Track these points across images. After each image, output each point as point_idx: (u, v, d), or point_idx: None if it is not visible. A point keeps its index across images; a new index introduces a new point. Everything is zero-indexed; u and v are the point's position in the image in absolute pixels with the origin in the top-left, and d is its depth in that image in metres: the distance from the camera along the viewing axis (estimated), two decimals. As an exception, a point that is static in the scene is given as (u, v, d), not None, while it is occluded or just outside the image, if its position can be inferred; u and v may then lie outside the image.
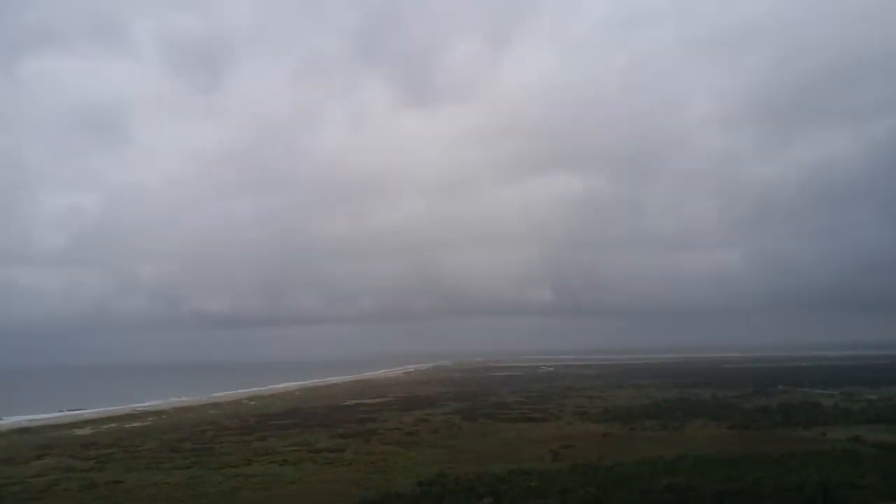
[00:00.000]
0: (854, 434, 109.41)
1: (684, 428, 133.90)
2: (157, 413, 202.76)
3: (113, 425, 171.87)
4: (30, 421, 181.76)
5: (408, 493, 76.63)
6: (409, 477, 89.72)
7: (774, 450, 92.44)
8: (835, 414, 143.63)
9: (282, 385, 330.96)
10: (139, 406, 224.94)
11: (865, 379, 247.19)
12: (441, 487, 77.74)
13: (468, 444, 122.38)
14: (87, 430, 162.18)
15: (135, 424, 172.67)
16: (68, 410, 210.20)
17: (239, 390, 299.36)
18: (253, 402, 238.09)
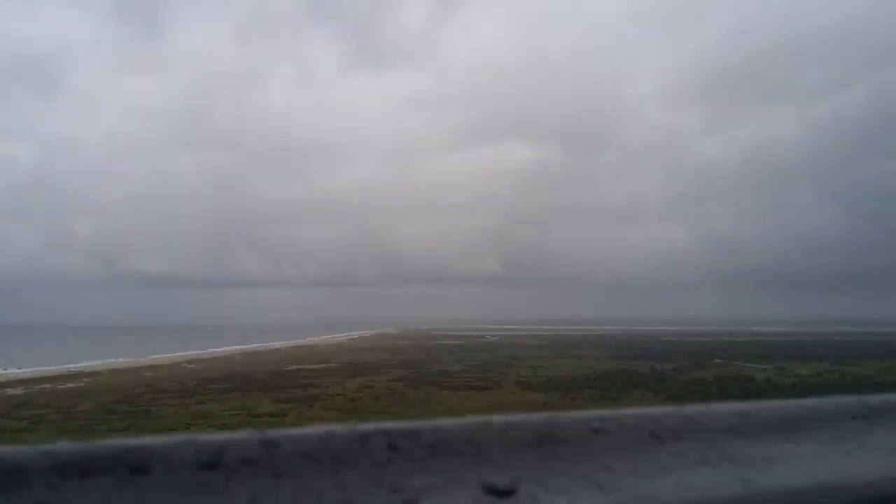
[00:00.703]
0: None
1: (623, 398, 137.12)
2: (93, 374, 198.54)
3: (46, 386, 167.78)
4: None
5: (349, 458, 76.94)
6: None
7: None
8: (767, 388, 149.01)
9: (222, 349, 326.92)
10: (73, 367, 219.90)
11: (797, 354, 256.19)
12: (382, 453, 78.28)
13: (411, 411, 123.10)
14: (18, 391, 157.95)
15: (69, 385, 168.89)
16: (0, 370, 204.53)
17: (178, 353, 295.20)
18: (192, 366, 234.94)
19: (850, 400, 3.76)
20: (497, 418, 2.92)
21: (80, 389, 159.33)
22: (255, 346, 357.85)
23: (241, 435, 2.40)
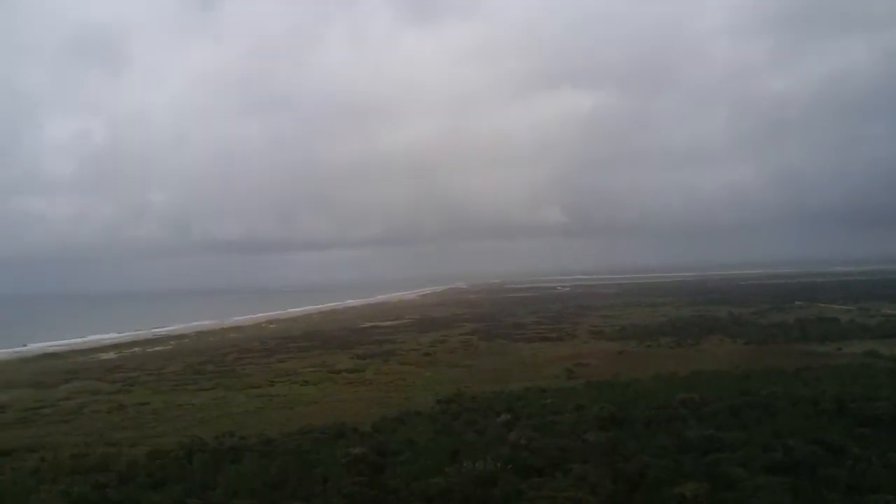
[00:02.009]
0: (870, 348, 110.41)
1: (700, 345, 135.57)
2: (179, 337, 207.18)
3: (136, 350, 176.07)
4: (55, 346, 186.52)
5: (427, 410, 78.65)
6: (428, 395, 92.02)
7: (790, 365, 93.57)
8: (851, 329, 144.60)
9: (299, 309, 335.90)
10: (160, 331, 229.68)
11: (883, 294, 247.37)
12: (459, 405, 79.65)
13: (485, 363, 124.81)
14: (111, 355, 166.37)
15: (157, 348, 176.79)
16: (91, 336, 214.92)
17: (258, 314, 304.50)
18: (272, 326, 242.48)
19: None
20: None
21: (168, 352, 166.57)
22: (329, 305, 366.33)
23: None
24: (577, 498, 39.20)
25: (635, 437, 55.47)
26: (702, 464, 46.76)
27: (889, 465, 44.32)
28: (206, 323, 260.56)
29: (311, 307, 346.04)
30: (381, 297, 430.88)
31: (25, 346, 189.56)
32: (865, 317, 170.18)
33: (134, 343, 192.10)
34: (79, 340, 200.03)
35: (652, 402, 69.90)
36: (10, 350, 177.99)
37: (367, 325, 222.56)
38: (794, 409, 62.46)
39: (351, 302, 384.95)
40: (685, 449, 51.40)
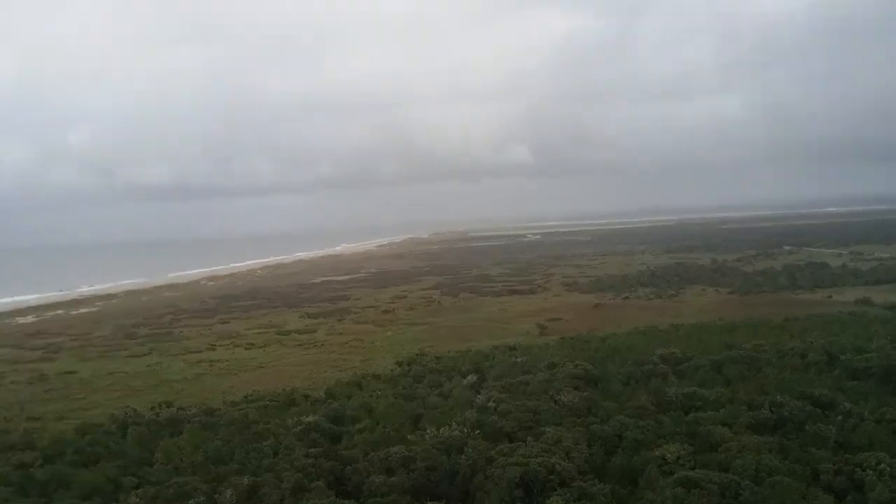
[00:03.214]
0: (863, 296, 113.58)
1: (680, 295, 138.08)
2: (108, 297, 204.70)
3: (60, 312, 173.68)
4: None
5: (386, 373, 79.26)
6: (387, 357, 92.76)
7: (777, 315, 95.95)
8: (842, 274, 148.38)
9: (242, 263, 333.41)
10: (86, 290, 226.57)
11: (877, 236, 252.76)
12: (422, 367, 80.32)
13: (449, 320, 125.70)
14: (31, 318, 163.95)
15: (83, 310, 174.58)
16: (6, 297, 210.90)
17: (195, 270, 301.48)
18: (212, 283, 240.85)
19: None
20: None
21: (95, 314, 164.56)
22: (276, 258, 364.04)
23: None
24: (550, 464, 39.91)
25: (612, 397, 56.61)
26: (683, 423, 47.93)
27: (881, 421, 45.81)
28: (137, 281, 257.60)
29: (255, 261, 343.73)
30: (333, 249, 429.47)
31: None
32: (858, 261, 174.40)
33: (57, 305, 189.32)
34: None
35: (629, 358, 71.22)
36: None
37: (319, 280, 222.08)
38: (781, 363, 64.09)
39: (300, 254, 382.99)
40: (665, 408, 52.63)
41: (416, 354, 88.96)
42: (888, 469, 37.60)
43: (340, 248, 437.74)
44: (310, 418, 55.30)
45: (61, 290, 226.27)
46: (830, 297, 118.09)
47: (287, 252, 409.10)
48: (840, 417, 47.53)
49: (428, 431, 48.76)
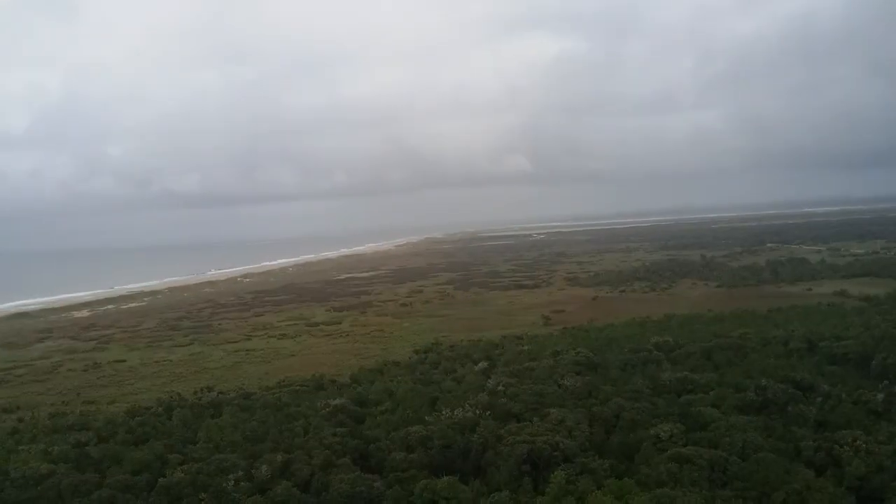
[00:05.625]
0: (840, 288, 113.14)
1: (673, 288, 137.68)
2: (153, 293, 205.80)
3: (110, 307, 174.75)
4: (26, 305, 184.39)
5: (405, 360, 79.50)
6: (406, 346, 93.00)
7: (761, 306, 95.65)
8: (821, 269, 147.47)
9: (273, 262, 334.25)
10: (133, 287, 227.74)
11: (851, 234, 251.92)
12: (437, 354, 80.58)
13: (461, 312, 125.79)
14: (84, 313, 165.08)
15: (131, 305, 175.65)
16: (62, 294, 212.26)
17: (231, 268, 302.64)
18: (247, 280, 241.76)
19: None
20: None
21: (142, 308, 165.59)
22: (303, 257, 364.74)
23: None
24: (554, 441, 40.02)
25: (611, 381, 56.58)
26: (676, 405, 47.91)
27: (857, 402, 45.70)
28: (178, 278, 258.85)
29: (285, 260, 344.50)
30: (356, 248, 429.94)
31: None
32: (835, 257, 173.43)
33: (107, 300, 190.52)
34: (49, 299, 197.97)
35: (626, 346, 71.13)
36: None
37: (343, 276, 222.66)
38: (766, 350, 63.93)
39: (325, 254, 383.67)
40: (659, 391, 52.61)
41: (432, 343, 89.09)
42: (864, 446, 37.59)
43: (362, 248, 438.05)
44: (337, 401, 55.62)
45: (111, 288, 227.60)
46: (810, 289, 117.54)
47: (313, 252, 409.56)
48: (820, 399, 47.45)
49: (443, 413, 48.95)
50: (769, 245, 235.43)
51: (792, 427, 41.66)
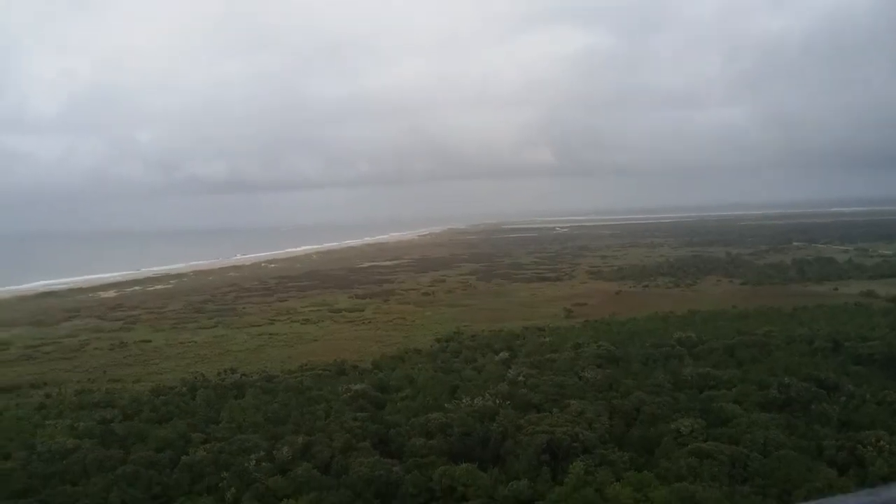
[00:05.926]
0: (867, 288, 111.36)
1: (697, 285, 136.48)
2: (178, 276, 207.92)
3: (136, 288, 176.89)
4: (54, 285, 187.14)
5: (426, 349, 79.75)
6: (427, 334, 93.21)
7: (787, 304, 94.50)
8: (848, 269, 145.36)
9: (297, 249, 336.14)
10: (159, 270, 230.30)
11: (880, 234, 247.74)
12: (458, 343, 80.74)
13: (483, 303, 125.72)
14: (111, 293, 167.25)
15: (157, 287, 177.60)
16: (89, 275, 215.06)
17: (256, 254, 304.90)
18: (272, 265, 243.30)
19: None
20: None
21: (168, 291, 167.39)
22: (327, 244, 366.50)
23: None
24: (574, 433, 39.96)
25: (632, 375, 56.39)
26: (697, 400, 47.64)
27: (882, 403, 45.12)
28: (204, 262, 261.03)
29: (308, 247, 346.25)
30: (378, 238, 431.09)
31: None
32: (863, 257, 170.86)
33: (133, 282, 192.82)
34: (77, 279, 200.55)
35: (649, 340, 70.79)
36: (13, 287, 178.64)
37: (366, 264, 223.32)
38: (790, 348, 63.29)
39: (348, 242, 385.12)
40: (681, 386, 52.33)
41: (454, 332, 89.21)
42: (887, 446, 37.16)
43: (386, 237, 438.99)
44: (358, 386, 55.96)
45: (137, 270, 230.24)
46: (836, 289, 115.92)
47: (337, 240, 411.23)
48: (843, 398, 46.92)
49: (463, 401, 49.09)
50: (795, 244, 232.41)
51: (815, 425, 41.24)
